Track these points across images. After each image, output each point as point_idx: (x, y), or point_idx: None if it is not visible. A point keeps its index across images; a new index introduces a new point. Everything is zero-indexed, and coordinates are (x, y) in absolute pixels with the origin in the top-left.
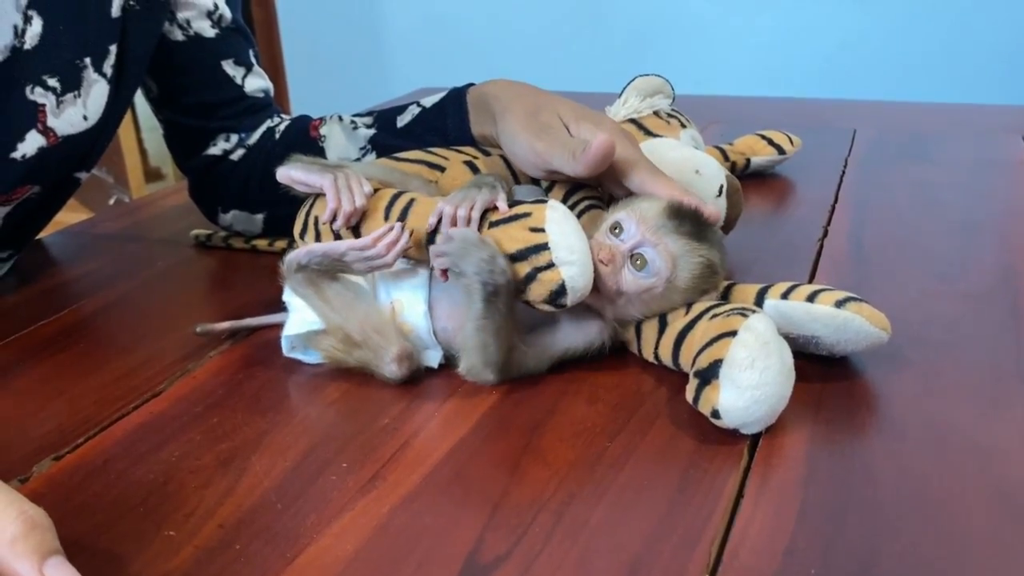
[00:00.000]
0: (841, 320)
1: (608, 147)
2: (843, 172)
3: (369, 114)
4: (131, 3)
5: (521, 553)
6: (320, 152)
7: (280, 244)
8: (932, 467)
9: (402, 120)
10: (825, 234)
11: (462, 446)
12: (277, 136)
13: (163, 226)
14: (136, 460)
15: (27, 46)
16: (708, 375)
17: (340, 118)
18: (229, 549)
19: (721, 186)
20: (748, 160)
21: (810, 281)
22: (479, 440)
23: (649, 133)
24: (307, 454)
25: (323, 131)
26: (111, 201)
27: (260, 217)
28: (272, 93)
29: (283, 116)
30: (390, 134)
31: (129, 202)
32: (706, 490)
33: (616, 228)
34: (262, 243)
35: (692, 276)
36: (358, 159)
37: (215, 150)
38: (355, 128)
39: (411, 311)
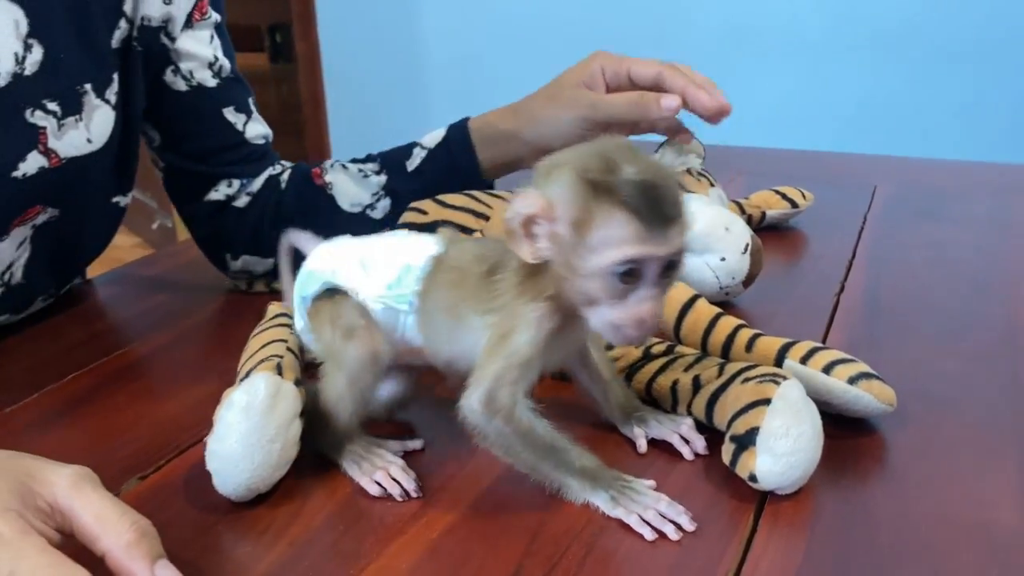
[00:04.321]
0: (852, 396)
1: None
2: (862, 228)
3: (371, 160)
4: (133, 43)
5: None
6: (330, 199)
7: None
8: (929, 513)
9: (411, 164)
10: (842, 289)
11: (503, 480)
12: (283, 185)
13: None
14: (212, 482)
15: (27, 72)
16: (745, 441)
17: (344, 166)
18: (300, 564)
19: (747, 244)
20: (764, 213)
21: (826, 333)
22: (519, 475)
23: (683, 189)
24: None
25: (328, 179)
26: (154, 226)
27: (271, 261)
28: (271, 139)
29: (283, 164)
30: (402, 179)
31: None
32: (722, 527)
33: (629, 275)
34: None
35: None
36: (370, 205)
37: (216, 195)
38: (365, 176)
39: None
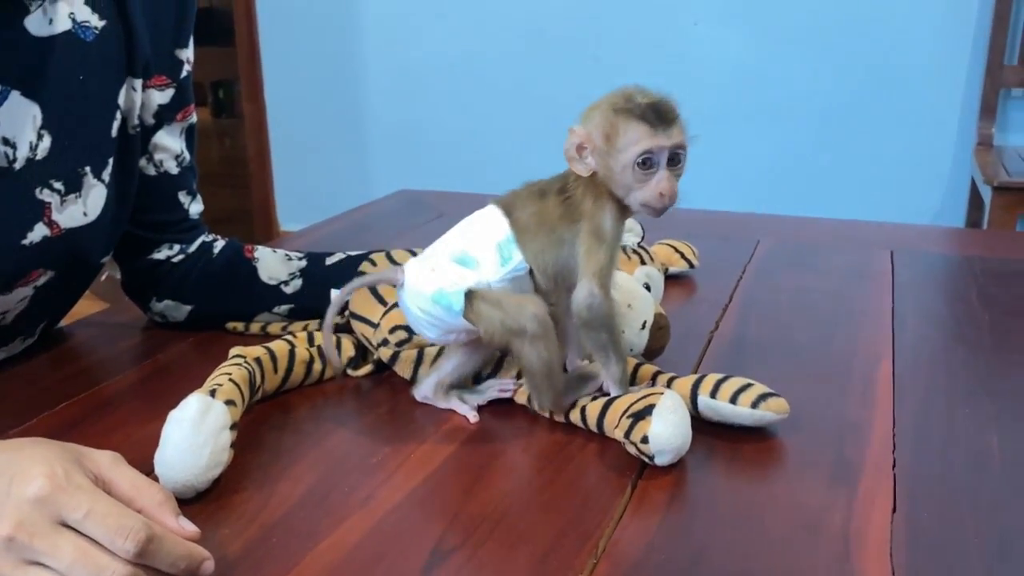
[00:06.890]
0: (758, 416)
1: None
2: (740, 277)
3: (299, 252)
4: (131, 130)
5: (470, 544)
6: (252, 270)
7: (297, 327)
8: (758, 493)
9: (331, 259)
10: (716, 327)
11: (432, 476)
12: (215, 252)
13: None
14: None
15: (38, 157)
16: (643, 414)
17: (274, 250)
18: (268, 541)
19: (645, 322)
20: (667, 268)
21: (698, 362)
22: (443, 473)
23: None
24: (319, 481)
25: (256, 254)
26: (102, 278)
27: (188, 308)
28: (202, 213)
29: (213, 235)
30: (319, 267)
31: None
32: (601, 507)
33: (646, 163)
34: (296, 326)
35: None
36: (285, 281)
37: (159, 255)
38: (288, 259)
39: None
